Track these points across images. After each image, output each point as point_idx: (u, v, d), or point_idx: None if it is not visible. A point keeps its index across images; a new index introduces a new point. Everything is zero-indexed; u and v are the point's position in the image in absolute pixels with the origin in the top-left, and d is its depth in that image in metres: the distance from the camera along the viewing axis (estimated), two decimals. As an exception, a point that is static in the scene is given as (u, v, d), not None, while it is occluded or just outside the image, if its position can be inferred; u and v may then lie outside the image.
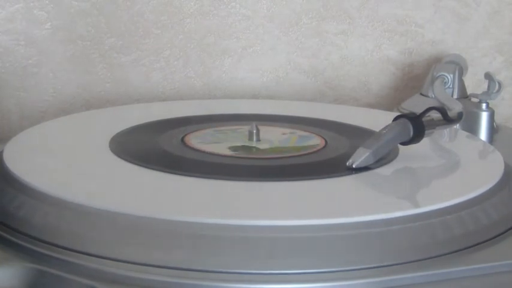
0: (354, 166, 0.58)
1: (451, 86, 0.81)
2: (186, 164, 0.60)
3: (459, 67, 0.82)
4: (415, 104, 0.79)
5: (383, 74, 0.92)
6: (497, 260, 0.50)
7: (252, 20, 0.89)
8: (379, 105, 0.92)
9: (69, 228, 0.51)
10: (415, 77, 0.92)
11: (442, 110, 0.64)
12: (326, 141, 0.66)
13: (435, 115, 0.63)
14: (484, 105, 0.77)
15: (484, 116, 0.76)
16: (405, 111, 0.75)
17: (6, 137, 0.76)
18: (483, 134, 0.76)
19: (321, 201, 0.54)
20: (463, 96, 0.81)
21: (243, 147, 0.64)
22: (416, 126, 0.60)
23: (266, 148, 0.64)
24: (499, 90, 0.76)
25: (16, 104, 0.85)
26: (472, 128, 0.76)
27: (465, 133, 0.73)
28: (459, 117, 0.66)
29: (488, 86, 0.76)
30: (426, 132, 0.61)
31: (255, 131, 0.66)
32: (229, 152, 0.62)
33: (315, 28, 0.90)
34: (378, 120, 0.65)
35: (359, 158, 0.59)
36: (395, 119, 0.61)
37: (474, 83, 0.91)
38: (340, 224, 0.50)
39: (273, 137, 0.67)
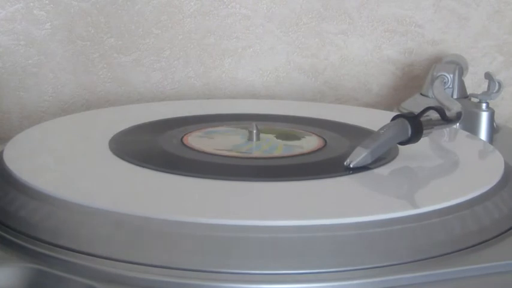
0: (351, 166, 0.58)
1: (451, 86, 0.80)
2: (186, 164, 0.60)
3: (459, 67, 0.82)
4: (415, 104, 0.79)
5: (383, 74, 0.92)
6: (497, 260, 0.50)
7: (252, 20, 0.89)
8: (379, 105, 0.92)
9: (69, 228, 0.51)
10: (415, 77, 0.92)
11: (440, 110, 0.64)
12: (325, 141, 0.66)
13: (434, 115, 0.63)
14: (484, 105, 0.77)
15: (484, 116, 0.76)
16: (405, 111, 0.75)
17: (6, 137, 0.76)
18: (483, 134, 0.76)
19: (318, 201, 0.54)
20: (463, 96, 0.81)
21: (243, 147, 0.64)
22: (414, 126, 0.60)
23: (265, 148, 0.64)
24: (499, 90, 0.76)
25: (16, 104, 0.85)
26: (472, 128, 0.76)
27: (465, 133, 0.73)
28: (458, 117, 0.66)
29: (488, 86, 0.76)
30: (424, 132, 0.61)
31: (255, 131, 0.66)
32: (229, 152, 0.62)
33: (315, 28, 0.90)
34: (378, 120, 0.64)
35: (357, 157, 0.59)
36: (394, 118, 0.61)
37: (474, 83, 0.91)
38: (338, 224, 0.50)
39: (272, 137, 0.67)
